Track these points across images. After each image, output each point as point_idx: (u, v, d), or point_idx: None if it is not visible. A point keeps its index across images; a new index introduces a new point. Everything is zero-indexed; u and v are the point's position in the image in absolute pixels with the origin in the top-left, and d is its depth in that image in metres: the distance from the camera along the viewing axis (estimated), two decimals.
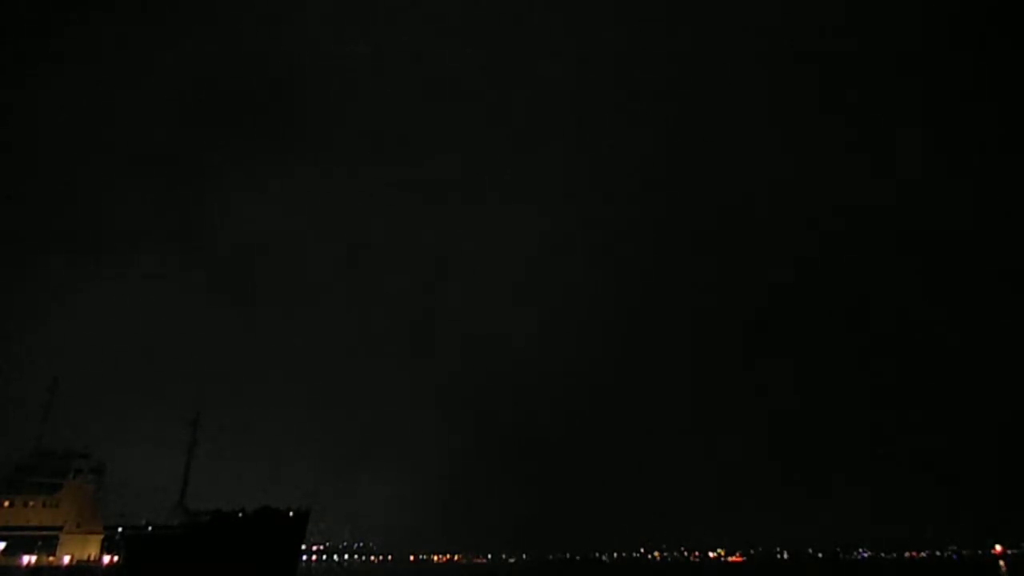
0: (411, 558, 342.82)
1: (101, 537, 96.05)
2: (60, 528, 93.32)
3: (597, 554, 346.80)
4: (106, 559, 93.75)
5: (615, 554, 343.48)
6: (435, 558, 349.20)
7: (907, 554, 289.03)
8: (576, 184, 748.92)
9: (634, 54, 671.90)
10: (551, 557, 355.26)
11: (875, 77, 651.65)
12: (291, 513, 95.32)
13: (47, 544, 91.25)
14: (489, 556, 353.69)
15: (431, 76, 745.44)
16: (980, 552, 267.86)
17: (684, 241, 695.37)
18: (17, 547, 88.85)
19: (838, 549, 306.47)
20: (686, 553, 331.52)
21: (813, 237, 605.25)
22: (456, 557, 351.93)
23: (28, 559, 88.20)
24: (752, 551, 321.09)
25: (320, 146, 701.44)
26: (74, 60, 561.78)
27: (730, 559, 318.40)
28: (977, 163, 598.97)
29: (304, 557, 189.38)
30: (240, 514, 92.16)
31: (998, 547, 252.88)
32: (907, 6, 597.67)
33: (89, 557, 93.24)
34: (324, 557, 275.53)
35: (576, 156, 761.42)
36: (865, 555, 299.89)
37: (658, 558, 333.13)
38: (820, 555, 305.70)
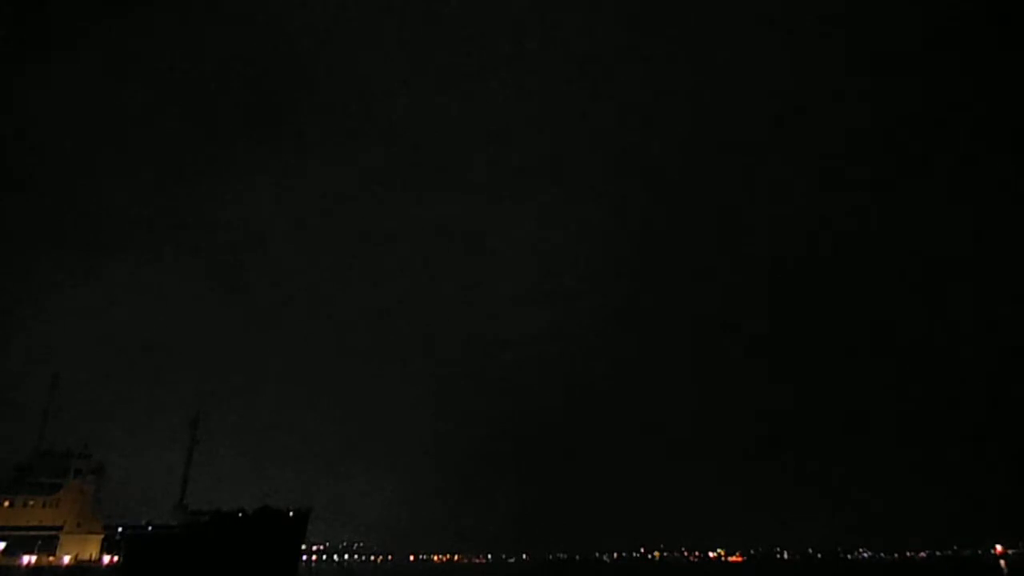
0: (411, 558, 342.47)
1: (101, 537, 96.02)
2: (60, 528, 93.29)
3: (597, 554, 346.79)
4: (106, 559, 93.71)
5: (615, 554, 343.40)
6: (435, 558, 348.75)
7: (907, 554, 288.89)
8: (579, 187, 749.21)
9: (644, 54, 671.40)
10: (551, 557, 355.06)
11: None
12: (291, 513, 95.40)
13: (47, 544, 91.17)
14: (489, 556, 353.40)
15: (437, 73, 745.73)
16: (980, 552, 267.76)
17: (684, 241, 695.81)
18: (17, 547, 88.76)
19: (838, 549, 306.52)
20: (686, 553, 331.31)
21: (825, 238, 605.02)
22: (456, 557, 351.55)
23: (28, 559, 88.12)
24: (752, 551, 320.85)
25: (322, 139, 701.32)
26: (74, 58, 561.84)
27: (730, 559, 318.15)
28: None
29: (304, 557, 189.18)
30: (240, 514, 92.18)
31: (998, 547, 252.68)
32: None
33: (89, 557, 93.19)
34: (324, 557, 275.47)
35: (576, 160, 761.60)
36: (865, 555, 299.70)
37: (658, 558, 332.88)
38: (820, 555, 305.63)
